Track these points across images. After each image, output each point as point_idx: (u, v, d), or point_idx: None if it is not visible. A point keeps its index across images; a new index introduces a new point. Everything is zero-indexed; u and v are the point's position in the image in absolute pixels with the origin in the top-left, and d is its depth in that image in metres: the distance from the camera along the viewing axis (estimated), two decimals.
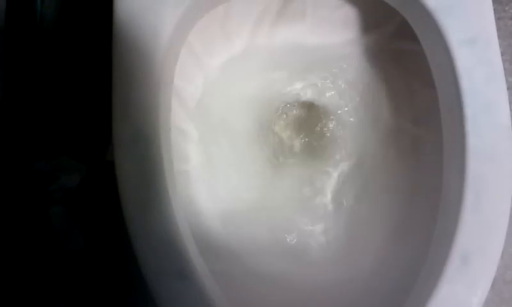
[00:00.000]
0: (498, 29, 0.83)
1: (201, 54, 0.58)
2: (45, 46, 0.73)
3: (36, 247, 0.69)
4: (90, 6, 0.74)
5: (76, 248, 0.71)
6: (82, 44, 0.74)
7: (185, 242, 0.41)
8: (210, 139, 0.59)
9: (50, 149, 0.72)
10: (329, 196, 0.60)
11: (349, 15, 0.58)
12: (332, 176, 0.60)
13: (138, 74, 0.44)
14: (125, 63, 0.45)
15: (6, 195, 0.68)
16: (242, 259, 0.54)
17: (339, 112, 0.61)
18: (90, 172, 0.72)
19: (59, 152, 0.72)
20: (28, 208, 0.70)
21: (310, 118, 0.62)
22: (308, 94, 0.61)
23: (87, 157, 0.72)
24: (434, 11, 0.45)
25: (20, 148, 0.71)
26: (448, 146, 0.46)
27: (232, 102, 0.60)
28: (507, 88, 0.84)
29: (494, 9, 0.49)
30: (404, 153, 0.56)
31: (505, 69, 0.83)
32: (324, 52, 0.60)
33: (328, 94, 0.61)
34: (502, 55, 0.83)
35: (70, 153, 0.72)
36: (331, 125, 0.61)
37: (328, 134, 0.61)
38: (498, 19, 0.81)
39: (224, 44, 0.59)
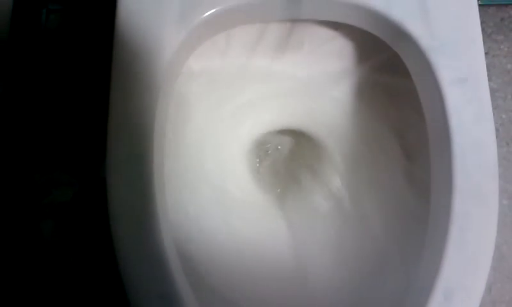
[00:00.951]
0: (493, 67, 0.85)
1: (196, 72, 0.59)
2: (45, 60, 0.74)
3: (25, 260, 0.69)
4: (93, 25, 0.75)
5: (65, 263, 0.71)
6: (82, 60, 0.75)
7: (171, 264, 0.41)
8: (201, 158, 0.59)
9: (44, 163, 0.72)
10: (319, 224, 0.60)
11: (343, 47, 0.59)
12: (321, 205, 0.61)
13: (135, 95, 0.45)
14: (123, 83, 0.45)
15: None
16: (229, 283, 0.54)
17: (329, 142, 0.61)
18: (83, 187, 0.72)
19: (53, 166, 0.73)
20: (19, 221, 0.70)
21: (299, 146, 0.63)
22: (299, 123, 0.62)
23: (80, 173, 0.73)
24: (426, 49, 0.46)
25: (16, 160, 0.71)
26: (435, 182, 0.47)
27: (220, 129, 0.61)
28: (501, 124, 0.86)
29: (489, 47, 0.50)
30: (396, 187, 0.57)
31: (498, 106, 0.85)
32: (318, 81, 0.61)
33: (319, 124, 0.62)
34: (496, 92, 0.85)
35: (64, 168, 0.73)
36: (320, 157, 0.62)
37: (317, 166, 0.62)
38: (493, 57, 0.83)
39: (221, 70, 0.60)
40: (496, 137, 0.78)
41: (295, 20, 0.56)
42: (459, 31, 0.47)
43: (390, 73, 0.58)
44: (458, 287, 0.42)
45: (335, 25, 0.56)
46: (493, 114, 0.48)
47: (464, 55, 0.47)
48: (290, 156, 0.64)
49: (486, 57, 0.49)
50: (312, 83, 0.61)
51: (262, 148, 0.63)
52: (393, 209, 0.57)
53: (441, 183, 0.46)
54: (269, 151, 0.64)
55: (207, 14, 0.47)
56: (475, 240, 0.43)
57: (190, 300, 0.42)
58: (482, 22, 0.86)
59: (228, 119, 0.61)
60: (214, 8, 0.47)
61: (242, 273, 0.55)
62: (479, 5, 0.49)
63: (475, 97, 0.46)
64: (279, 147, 0.63)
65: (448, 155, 0.45)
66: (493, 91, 0.81)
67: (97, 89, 0.74)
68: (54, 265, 0.71)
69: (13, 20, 0.71)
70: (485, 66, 0.47)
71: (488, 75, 0.53)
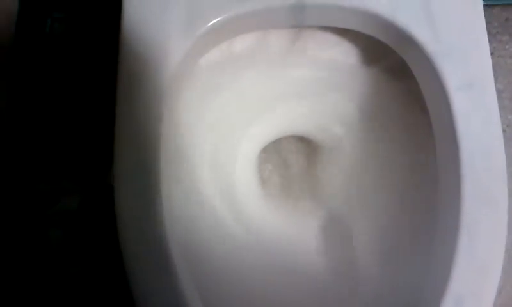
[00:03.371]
0: (499, 67, 0.85)
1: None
2: (50, 69, 0.74)
3: (34, 269, 0.70)
4: (97, 35, 0.75)
5: (74, 271, 0.71)
6: (87, 68, 0.75)
7: (180, 275, 0.41)
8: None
9: (51, 172, 0.73)
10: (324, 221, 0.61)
11: (349, 52, 0.59)
12: (325, 204, 0.61)
13: (142, 104, 0.45)
14: (129, 92, 0.45)
15: (6, 215, 0.68)
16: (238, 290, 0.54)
17: (335, 145, 0.61)
18: (90, 195, 0.73)
19: (60, 175, 0.73)
20: (27, 230, 0.70)
21: (305, 151, 0.63)
22: (304, 128, 0.62)
23: (88, 181, 0.73)
24: (432, 55, 0.46)
25: (22, 169, 0.71)
26: (443, 188, 0.47)
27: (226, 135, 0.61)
28: (508, 125, 0.86)
29: (494, 48, 0.49)
30: (400, 191, 0.57)
31: (505, 107, 0.84)
32: (323, 86, 0.61)
33: (324, 130, 0.61)
34: (502, 92, 0.84)
35: (71, 176, 0.73)
36: (325, 161, 0.62)
37: (321, 167, 0.62)
38: (498, 57, 0.82)
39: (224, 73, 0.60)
40: (504, 138, 0.77)
41: (300, 27, 0.55)
42: (464, 36, 0.47)
43: (398, 78, 0.58)
44: (469, 294, 0.42)
45: (340, 31, 0.56)
46: (500, 115, 0.47)
47: (470, 60, 0.47)
48: (297, 162, 0.64)
49: (491, 58, 0.49)
50: (317, 88, 0.61)
51: (268, 156, 0.63)
52: (398, 217, 0.57)
53: (450, 188, 0.45)
54: (276, 159, 0.64)
55: (212, 22, 0.47)
56: (485, 246, 0.43)
57: None
58: (487, 23, 0.85)
59: (233, 124, 0.61)
60: (219, 16, 0.47)
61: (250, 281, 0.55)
62: (484, 5, 0.49)
63: (482, 102, 0.46)
64: (286, 154, 0.63)
65: (456, 161, 0.44)
66: (499, 92, 0.80)
67: (103, 97, 0.74)
68: (63, 273, 0.71)
69: (18, 29, 0.72)
70: (491, 70, 0.47)
71: (493, 76, 0.52)
